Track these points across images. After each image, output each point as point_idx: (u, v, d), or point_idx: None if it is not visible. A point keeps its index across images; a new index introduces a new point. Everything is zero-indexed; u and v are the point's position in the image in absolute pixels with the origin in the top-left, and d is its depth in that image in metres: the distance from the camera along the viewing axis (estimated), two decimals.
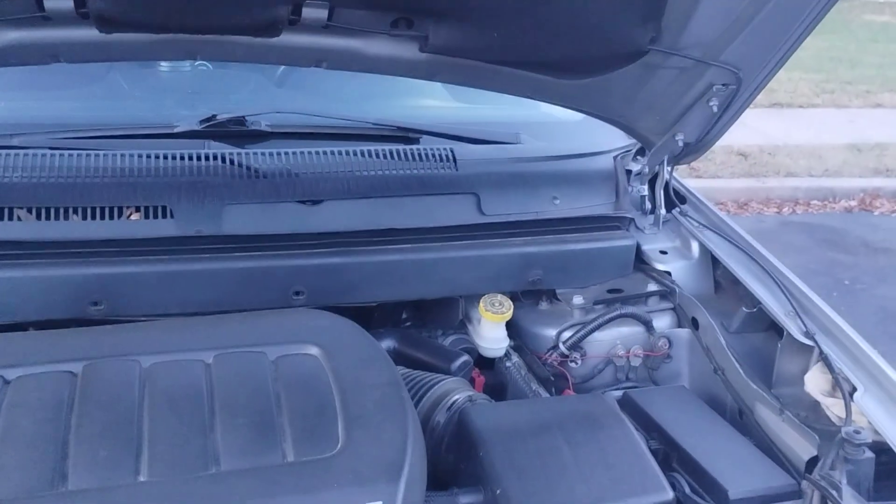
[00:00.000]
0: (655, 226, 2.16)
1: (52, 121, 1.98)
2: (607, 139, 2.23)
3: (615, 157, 2.20)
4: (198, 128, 1.94)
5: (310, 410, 1.31)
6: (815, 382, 1.65)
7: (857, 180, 7.31)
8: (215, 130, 1.95)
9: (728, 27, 1.68)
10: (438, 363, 1.80)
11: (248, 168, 1.86)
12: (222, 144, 1.94)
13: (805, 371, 1.70)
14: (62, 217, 1.71)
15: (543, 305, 2.04)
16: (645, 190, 2.18)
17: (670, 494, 1.41)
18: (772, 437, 1.67)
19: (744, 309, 1.88)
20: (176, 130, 1.94)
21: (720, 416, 1.73)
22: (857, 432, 1.43)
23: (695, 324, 1.96)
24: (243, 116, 1.99)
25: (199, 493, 1.15)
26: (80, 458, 1.17)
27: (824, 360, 1.66)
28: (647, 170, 2.14)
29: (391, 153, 1.97)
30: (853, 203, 6.99)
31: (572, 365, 1.93)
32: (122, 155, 1.81)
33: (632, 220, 2.14)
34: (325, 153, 1.93)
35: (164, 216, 1.76)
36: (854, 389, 1.58)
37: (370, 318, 2.00)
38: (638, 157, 2.15)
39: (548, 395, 1.82)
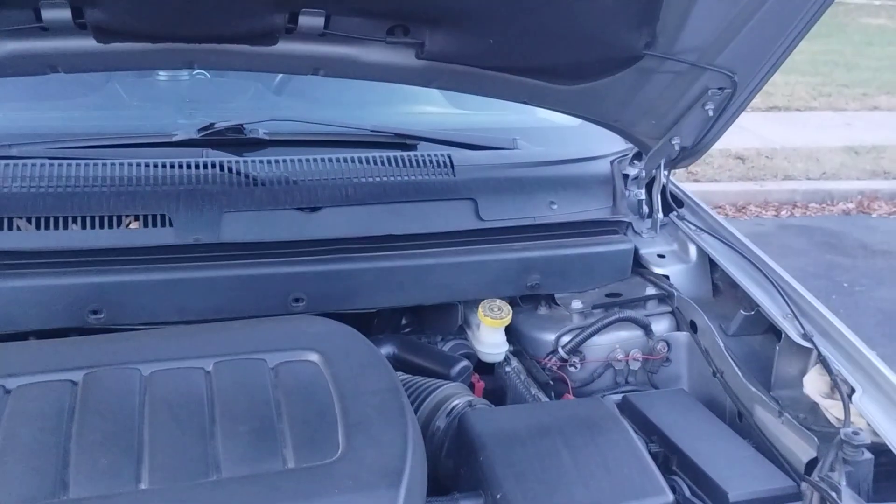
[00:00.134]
0: (653, 230, 2.17)
1: (51, 130, 1.99)
2: (604, 144, 2.24)
3: (612, 162, 2.21)
4: (196, 136, 1.95)
5: (310, 417, 1.31)
6: (814, 384, 1.65)
7: (855, 183, 7.32)
8: (213, 139, 1.96)
9: (723, 31, 1.69)
10: (438, 369, 1.80)
11: (247, 176, 1.86)
12: (220, 153, 1.94)
13: (804, 373, 1.71)
14: (61, 226, 1.72)
15: (542, 310, 2.05)
16: (642, 194, 2.18)
17: (670, 497, 1.41)
18: (771, 440, 1.67)
19: (742, 312, 1.88)
20: (174, 139, 1.95)
21: (719, 418, 1.73)
22: (856, 434, 1.44)
23: (693, 327, 1.96)
24: (241, 124, 2.00)
25: (200, 500, 1.15)
26: (82, 467, 1.17)
27: (823, 361, 1.66)
28: (644, 174, 2.15)
29: (389, 160, 1.98)
30: (851, 205, 7.00)
31: (571, 369, 1.93)
32: (121, 164, 1.82)
33: (629, 224, 2.14)
34: (322, 160, 1.94)
35: (163, 224, 1.77)
36: (853, 391, 1.58)
37: (370, 324, 2.00)
38: (635, 162, 2.16)
39: (547, 400, 1.82)
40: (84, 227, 1.73)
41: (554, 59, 1.77)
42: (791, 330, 1.75)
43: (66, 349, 1.47)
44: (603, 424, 1.57)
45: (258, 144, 2.00)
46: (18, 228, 1.70)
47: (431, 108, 2.52)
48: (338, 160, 1.95)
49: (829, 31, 13.03)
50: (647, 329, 1.97)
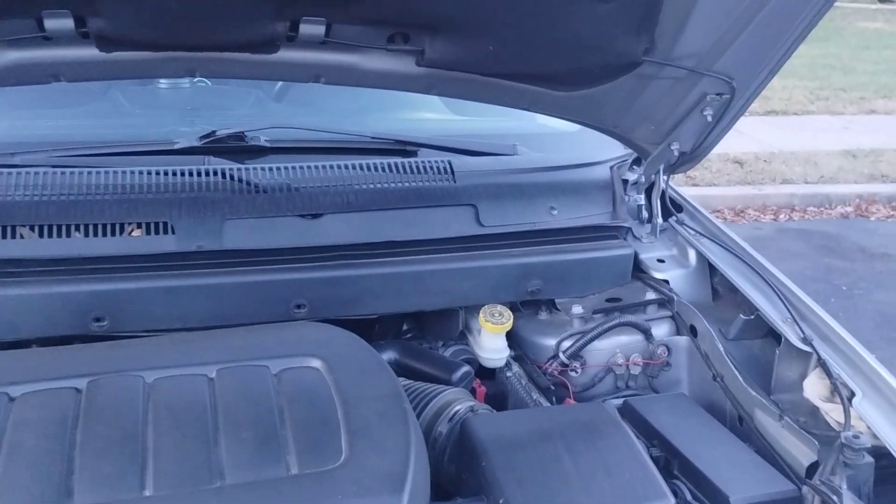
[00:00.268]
0: (652, 235, 2.17)
1: (53, 139, 1.99)
2: (603, 149, 2.25)
3: (611, 167, 2.21)
4: (197, 144, 1.96)
5: (313, 423, 1.31)
6: (814, 388, 1.66)
7: (853, 186, 7.34)
8: (215, 146, 1.97)
9: (720, 37, 1.69)
10: (439, 374, 1.81)
11: (248, 183, 1.87)
12: (222, 160, 1.95)
13: (804, 377, 1.71)
14: (64, 234, 1.72)
15: (543, 315, 2.05)
16: (642, 199, 2.19)
17: (672, 501, 1.41)
18: (772, 443, 1.68)
19: (741, 316, 1.89)
20: (176, 147, 1.95)
21: (720, 422, 1.73)
22: (857, 437, 1.45)
23: (693, 331, 1.97)
24: (242, 132, 2.00)
25: None
26: (86, 474, 1.18)
27: (822, 365, 1.67)
28: (643, 179, 2.16)
29: (389, 166, 1.99)
30: (849, 209, 7.01)
31: (572, 374, 1.94)
32: (123, 172, 1.82)
33: (629, 229, 2.15)
34: (324, 167, 1.94)
35: (166, 232, 1.77)
36: (853, 395, 1.59)
37: (371, 330, 2.01)
38: (634, 167, 2.17)
39: (548, 405, 1.82)
40: (87, 234, 1.74)
41: (553, 66, 1.78)
42: (791, 334, 1.75)
43: (69, 357, 1.48)
44: (604, 429, 1.57)
45: (259, 152, 2.01)
46: (21, 237, 1.71)
47: (431, 115, 2.53)
48: (339, 167, 1.96)
49: (826, 34, 13.07)
50: (647, 334, 1.97)
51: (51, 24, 1.44)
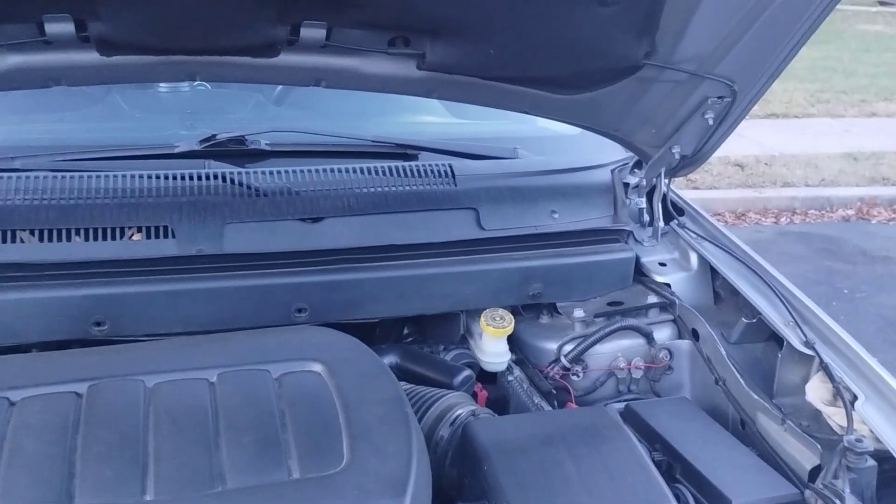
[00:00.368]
0: (654, 238, 2.17)
1: (54, 143, 2.00)
2: (604, 153, 2.25)
3: (613, 171, 2.21)
4: (198, 148, 1.96)
5: (314, 427, 1.31)
6: (816, 392, 1.65)
7: (854, 189, 7.33)
8: (215, 150, 1.97)
9: (722, 41, 1.69)
10: (441, 378, 1.81)
11: (249, 187, 1.87)
12: (222, 164, 1.95)
13: (806, 380, 1.71)
14: (64, 238, 1.72)
15: (544, 319, 2.05)
16: (643, 202, 2.19)
17: None
18: (774, 447, 1.68)
19: (743, 319, 1.88)
20: (176, 150, 1.95)
21: (722, 426, 1.73)
22: (859, 441, 1.44)
23: (695, 335, 1.96)
24: (243, 136, 2.00)
25: None
26: (87, 479, 1.18)
27: (825, 369, 1.66)
28: (644, 182, 2.15)
29: (390, 170, 1.99)
30: (850, 212, 7.01)
31: (574, 378, 1.93)
32: (124, 176, 1.82)
33: (630, 232, 2.15)
34: (324, 171, 1.94)
35: (166, 236, 1.77)
36: (855, 398, 1.59)
37: (372, 334, 2.01)
38: (635, 170, 2.17)
39: (550, 409, 1.82)
40: (87, 239, 1.73)
41: (554, 69, 1.78)
42: (793, 337, 1.75)
43: (69, 361, 1.47)
44: (606, 433, 1.57)
45: (260, 155, 2.01)
46: (22, 241, 1.71)
47: (432, 119, 2.53)
48: (339, 171, 1.95)
49: (826, 37, 13.07)
50: (649, 337, 1.97)
51: (51, 28, 1.44)
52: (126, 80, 1.85)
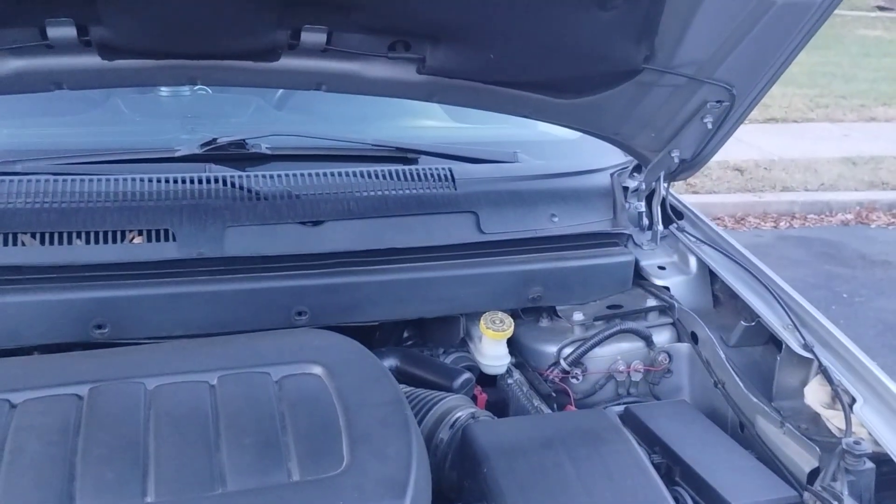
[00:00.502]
0: (653, 241, 2.18)
1: (55, 146, 2.00)
2: (604, 157, 2.26)
3: (612, 175, 2.22)
4: (199, 151, 1.96)
5: (314, 429, 1.31)
6: (815, 395, 1.66)
7: (853, 194, 7.34)
8: (216, 154, 1.97)
9: (720, 45, 1.70)
10: (440, 381, 1.81)
11: (249, 190, 1.87)
12: (223, 167, 1.96)
13: (805, 383, 1.72)
14: (66, 241, 1.73)
15: (544, 322, 2.05)
16: (642, 206, 2.19)
17: None
18: (773, 450, 1.68)
19: (742, 323, 1.89)
20: (177, 154, 1.96)
21: (721, 429, 1.73)
22: (858, 443, 1.45)
23: (694, 338, 1.97)
24: (244, 139, 2.01)
25: None
26: (87, 481, 1.18)
27: (823, 372, 1.67)
28: (643, 186, 2.16)
29: (390, 174, 1.99)
30: (850, 216, 7.02)
31: (573, 381, 1.94)
32: (125, 179, 1.83)
33: (630, 236, 2.15)
34: (325, 175, 1.95)
35: (167, 239, 1.78)
36: (854, 401, 1.59)
37: (372, 337, 2.01)
38: (634, 174, 2.17)
39: (550, 412, 1.82)
40: (88, 242, 1.74)
41: (554, 74, 1.79)
42: (792, 341, 1.76)
43: (70, 364, 1.48)
44: (605, 436, 1.57)
45: (260, 159, 2.01)
46: (23, 244, 1.71)
47: (432, 123, 2.54)
48: (340, 174, 1.96)
49: (826, 42, 13.09)
50: (648, 340, 1.97)
51: (53, 32, 1.45)
52: (127, 83, 1.86)
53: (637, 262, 2.12)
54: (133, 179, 1.83)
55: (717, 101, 1.83)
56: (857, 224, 6.92)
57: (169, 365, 1.44)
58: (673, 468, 1.60)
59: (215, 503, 1.17)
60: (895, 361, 4.11)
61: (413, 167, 2.03)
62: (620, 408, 1.83)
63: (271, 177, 1.92)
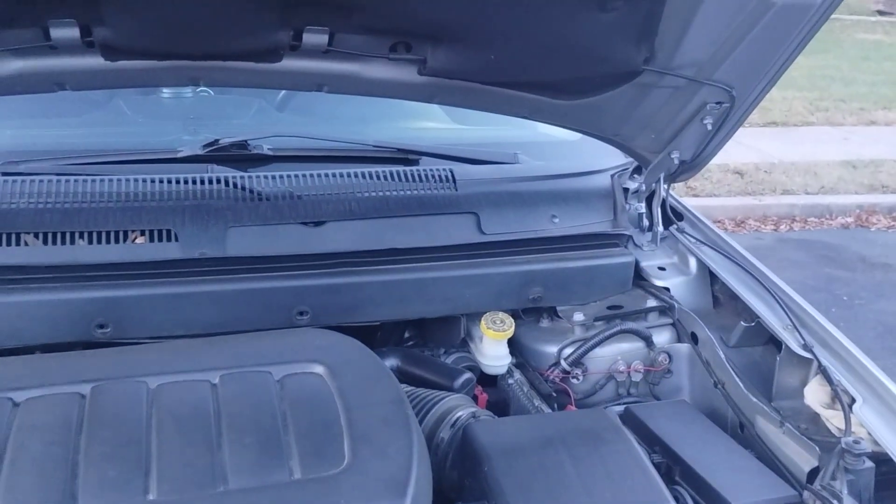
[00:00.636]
0: (653, 242, 2.18)
1: (58, 147, 2.00)
2: (604, 158, 2.26)
3: (612, 176, 2.22)
4: (201, 152, 1.97)
5: (316, 428, 1.32)
6: (815, 395, 1.66)
7: (854, 197, 7.34)
8: (218, 155, 1.98)
9: (720, 46, 1.71)
10: (441, 381, 1.81)
11: (251, 191, 1.88)
12: (225, 168, 1.96)
13: (804, 384, 1.72)
14: (68, 241, 1.73)
15: (544, 322, 2.06)
16: (642, 207, 2.20)
17: None
18: (773, 450, 1.68)
19: (742, 323, 1.89)
20: (179, 155, 1.96)
21: (721, 429, 1.74)
22: (857, 443, 1.45)
23: (694, 338, 1.97)
24: (245, 140, 2.01)
25: None
26: (90, 479, 1.18)
27: (823, 372, 1.67)
28: (643, 187, 2.17)
29: (392, 174, 2.00)
30: (850, 219, 7.02)
31: (574, 381, 1.94)
32: (127, 180, 1.83)
33: (630, 237, 2.16)
34: (326, 175, 1.96)
35: (169, 239, 1.78)
36: (853, 401, 1.59)
37: (373, 337, 2.01)
38: (635, 176, 2.18)
39: (550, 411, 1.83)
40: (90, 242, 1.74)
41: (554, 75, 1.79)
42: (791, 341, 1.76)
43: (73, 362, 1.48)
44: (606, 435, 1.58)
45: (262, 160, 2.02)
46: (26, 244, 1.72)
47: (433, 124, 2.55)
48: (341, 175, 1.96)
49: (825, 46, 13.09)
50: (648, 341, 1.98)
51: (56, 33, 1.45)
52: (130, 84, 1.86)
53: (637, 263, 2.12)
54: (135, 180, 1.84)
55: (717, 103, 1.84)
56: (857, 227, 6.92)
57: (171, 364, 1.45)
58: (673, 468, 1.61)
59: (217, 501, 1.18)
60: (895, 364, 4.11)
61: (414, 168, 2.04)
62: (620, 408, 1.83)
63: (273, 177, 1.92)
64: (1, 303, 1.65)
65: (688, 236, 2.17)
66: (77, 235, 1.74)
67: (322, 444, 1.29)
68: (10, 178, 1.79)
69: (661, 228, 2.18)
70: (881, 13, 18.85)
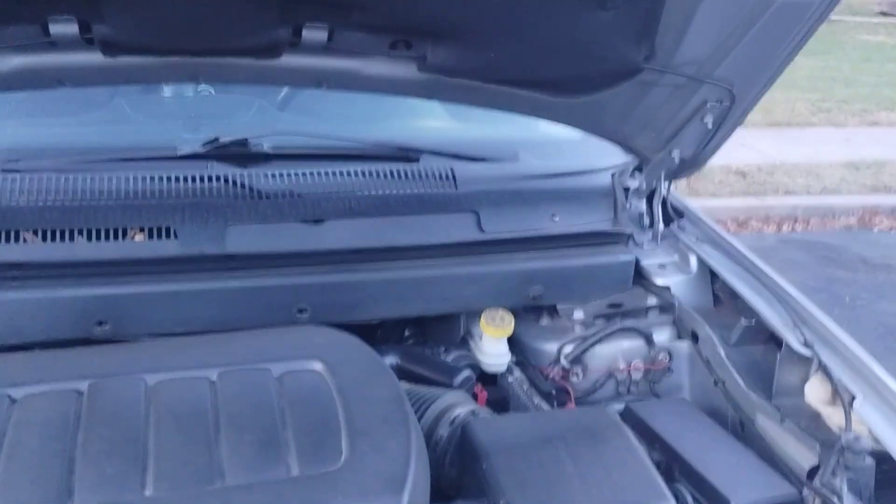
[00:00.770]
0: (654, 241, 2.17)
1: (58, 145, 2.00)
2: (605, 157, 2.25)
3: (613, 174, 2.22)
4: (201, 150, 1.96)
5: (314, 425, 1.32)
6: (815, 392, 1.66)
7: (856, 198, 7.33)
8: (218, 153, 1.98)
9: (720, 45, 1.71)
10: (441, 378, 1.81)
11: (251, 189, 1.88)
12: (225, 166, 1.96)
13: (805, 381, 1.72)
14: (68, 238, 1.73)
15: (544, 321, 2.06)
16: (643, 206, 2.19)
17: None
18: (773, 447, 1.68)
19: (743, 321, 1.89)
20: (179, 153, 1.96)
21: (721, 427, 1.73)
22: (857, 440, 1.45)
23: (694, 337, 1.97)
24: (246, 138, 2.01)
25: None
26: (87, 475, 1.18)
27: (824, 369, 1.67)
28: (644, 186, 2.16)
29: (392, 173, 2.00)
30: (852, 220, 7.00)
31: (574, 379, 1.94)
32: (127, 177, 1.83)
33: (630, 235, 2.15)
34: (326, 174, 1.95)
35: (168, 237, 1.78)
36: (854, 398, 1.59)
37: (373, 335, 2.01)
38: (635, 174, 2.17)
39: (550, 409, 1.82)
40: (90, 239, 1.74)
41: (554, 73, 1.79)
42: (792, 338, 1.75)
43: (71, 359, 1.48)
44: (605, 433, 1.57)
45: (263, 158, 2.01)
46: (25, 241, 1.72)
47: (433, 122, 2.54)
48: (341, 173, 1.96)
49: (828, 47, 13.08)
50: (648, 339, 1.98)
51: (56, 29, 1.45)
52: (129, 80, 1.86)
53: (638, 262, 2.11)
54: (135, 178, 1.83)
55: (718, 101, 1.84)
56: (859, 228, 6.91)
57: (169, 361, 1.45)
58: (672, 465, 1.60)
59: (214, 497, 1.17)
60: None
61: (414, 166, 2.03)
62: (620, 406, 1.82)
63: (273, 175, 1.92)
64: (0, 300, 1.65)
65: (688, 234, 2.17)
66: (76, 233, 1.74)
67: (320, 440, 1.29)
68: (10, 176, 1.79)
69: (661, 227, 2.17)
70: (884, 14, 18.83)
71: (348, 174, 1.97)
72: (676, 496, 1.49)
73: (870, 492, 1.43)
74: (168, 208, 1.80)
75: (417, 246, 1.93)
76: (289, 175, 1.92)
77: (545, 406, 1.83)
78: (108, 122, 2.34)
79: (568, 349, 1.94)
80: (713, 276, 2.07)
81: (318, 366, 1.45)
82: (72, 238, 1.73)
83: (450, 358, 1.95)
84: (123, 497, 1.16)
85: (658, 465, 1.54)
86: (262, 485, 1.20)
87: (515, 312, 2.00)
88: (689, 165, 2.07)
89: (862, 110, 10.36)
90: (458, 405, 1.68)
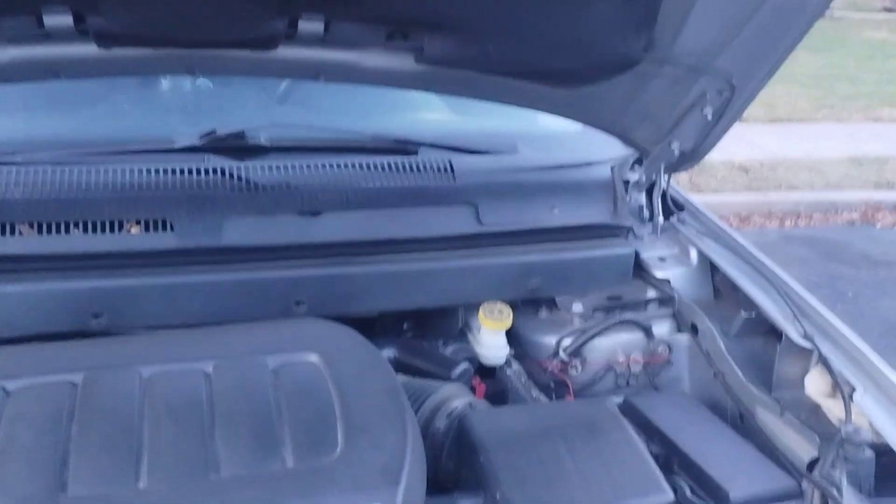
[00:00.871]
0: (654, 234, 2.16)
1: (54, 138, 1.99)
2: (604, 149, 2.24)
3: (612, 167, 2.21)
4: (198, 143, 1.95)
5: (310, 417, 1.31)
6: (815, 384, 1.65)
7: (859, 193, 7.31)
8: (215, 145, 1.97)
9: (720, 34, 1.69)
10: (438, 371, 1.80)
11: (248, 181, 1.87)
12: (222, 158, 1.95)
13: (805, 374, 1.71)
14: (63, 231, 1.72)
15: (543, 313, 2.05)
16: (642, 198, 2.18)
17: (671, 496, 1.41)
18: (772, 440, 1.67)
19: (742, 313, 1.88)
20: (176, 146, 1.95)
21: (721, 420, 1.73)
22: (857, 432, 1.44)
23: (694, 329, 1.96)
24: (243, 131, 2.00)
25: (199, 500, 1.15)
26: (81, 467, 1.18)
27: (824, 361, 1.66)
28: (644, 178, 2.15)
29: (390, 165, 1.99)
30: (855, 216, 6.99)
31: (573, 372, 1.93)
32: (123, 170, 1.82)
33: (630, 228, 2.14)
34: (324, 166, 1.94)
35: (165, 229, 1.77)
36: (853, 390, 1.58)
37: (371, 328, 2.00)
38: (635, 166, 2.17)
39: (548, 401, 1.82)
40: (86, 231, 1.73)
41: (552, 63, 1.78)
42: (792, 331, 1.74)
43: (66, 351, 1.47)
44: (604, 425, 1.57)
45: (260, 151, 2.00)
46: (21, 233, 1.71)
47: (432, 115, 2.53)
48: (339, 166, 1.95)
49: (831, 44, 13.06)
50: (648, 332, 1.97)
51: (50, 21, 1.44)
52: (124, 72, 1.85)
53: (637, 254, 2.10)
54: (131, 170, 1.83)
55: (717, 92, 1.82)
56: (862, 224, 6.89)
57: (164, 353, 1.44)
58: (671, 458, 1.59)
59: (209, 490, 1.17)
60: None
61: (412, 159, 2.02)
62: (619, 398, 1.82)
63: (270, 168, 1.91)
64: None
65: (688, 227, 2.16)
66: (72, 225, 1.73)
67: (316, 432, 1.28)
68: (6, 168, 1.78)
69: (661, 219, 2.16)
70: (888, 10, 18.78)
71: (346, 167, 1.96)
72: (675, 489, 1.48)
73: (869, 484, 1.42)
74: (164, 201, 1.80)
75: (416, 239, 1.92)
76: (286, 167, 1.91)
77: (543, 399, 1.82)
78: (105, 115, 2.33)
79: (567, 342, 1.93)
80: (713, 268, 2.06)
81: (314, 358, 1.44)
82: (68, 231, 1.73)
83: (448, 351, 1.94)
84: (117, 489, 1.16)
85: (657, 458, 1.54)
86: (257, 477, 1.19)
87: (514, 305, 1.99)
88: (689, 157, 2.06)
89: (865, 106, 10.34)
90: (456, 397, 1.68)
